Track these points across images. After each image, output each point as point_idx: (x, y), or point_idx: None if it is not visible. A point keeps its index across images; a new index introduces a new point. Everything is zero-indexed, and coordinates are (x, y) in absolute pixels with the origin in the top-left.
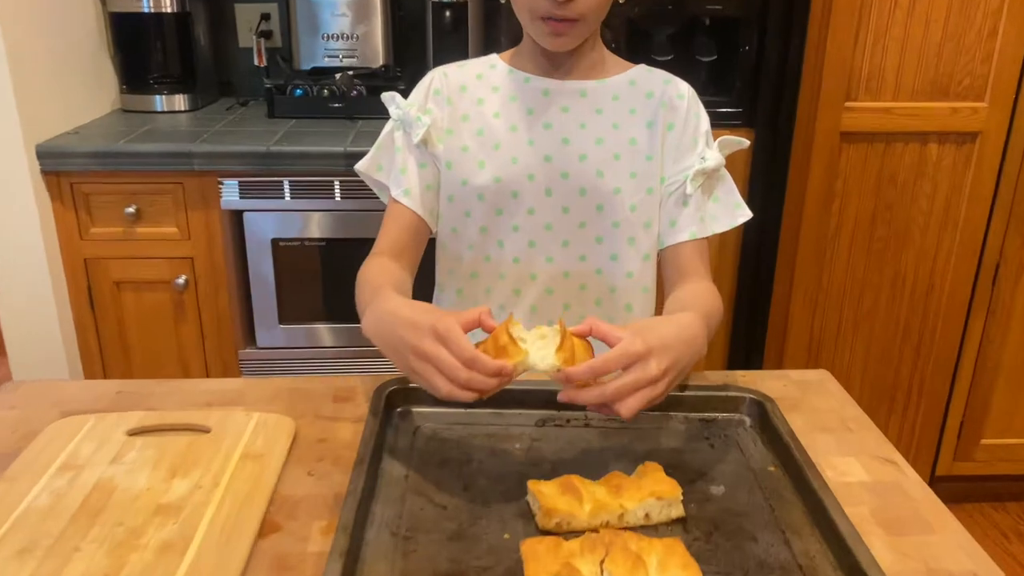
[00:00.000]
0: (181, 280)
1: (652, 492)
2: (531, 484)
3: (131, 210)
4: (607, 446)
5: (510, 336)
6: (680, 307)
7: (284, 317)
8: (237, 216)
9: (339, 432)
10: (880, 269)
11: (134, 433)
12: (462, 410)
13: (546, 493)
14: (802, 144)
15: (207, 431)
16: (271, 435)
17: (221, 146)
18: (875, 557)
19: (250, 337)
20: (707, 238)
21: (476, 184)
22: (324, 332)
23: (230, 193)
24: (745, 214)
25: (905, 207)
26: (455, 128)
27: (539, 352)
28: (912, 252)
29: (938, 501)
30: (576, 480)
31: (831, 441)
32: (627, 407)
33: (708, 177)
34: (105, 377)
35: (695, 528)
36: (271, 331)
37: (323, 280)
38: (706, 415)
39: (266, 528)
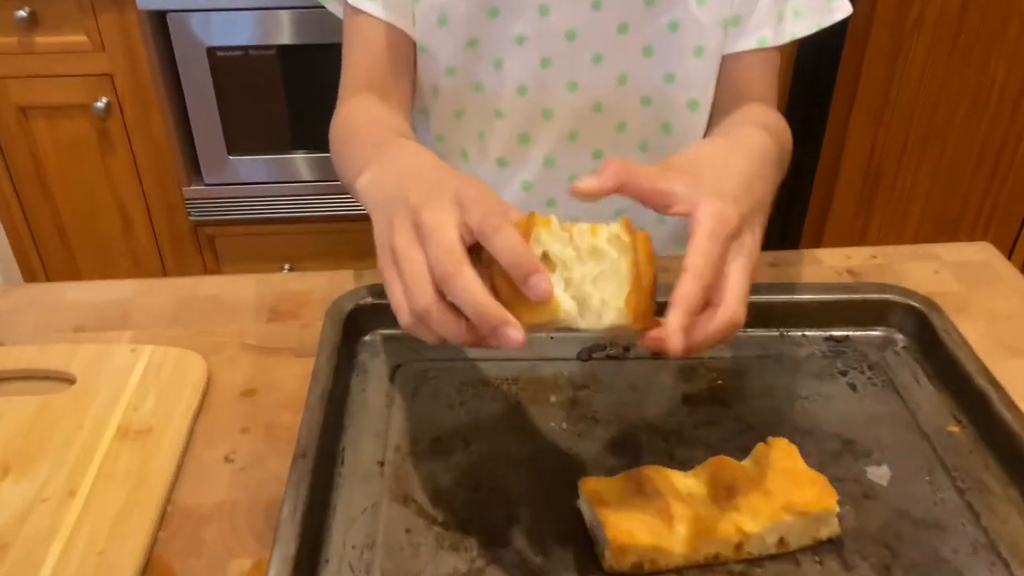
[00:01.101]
0: (101, 103)
1: (789, 504)
2: (585, 487)
3: (23, 13)
4: (691, 392)
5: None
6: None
7: (233, 147)
8: (160, 18)
9: (277, 375)
10: (963, 74)
11: None
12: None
13: (612, 509)
14: None
15: (70, 382)
16: (168, 388)
17: None
18: None
19: (195, 172)
20: (780, 48)
21: None
22: (285, 164)
23: None
24: (841, 9)
25: None
26: None
27: (584, 283)
28: (1005, 52)
29: None
30: (656, 477)
31: None
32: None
33: None
34: (28, 228)
35: (860, 559)
36: (219, 164)
37: (278, 99)
38: (834, 332)
39: None
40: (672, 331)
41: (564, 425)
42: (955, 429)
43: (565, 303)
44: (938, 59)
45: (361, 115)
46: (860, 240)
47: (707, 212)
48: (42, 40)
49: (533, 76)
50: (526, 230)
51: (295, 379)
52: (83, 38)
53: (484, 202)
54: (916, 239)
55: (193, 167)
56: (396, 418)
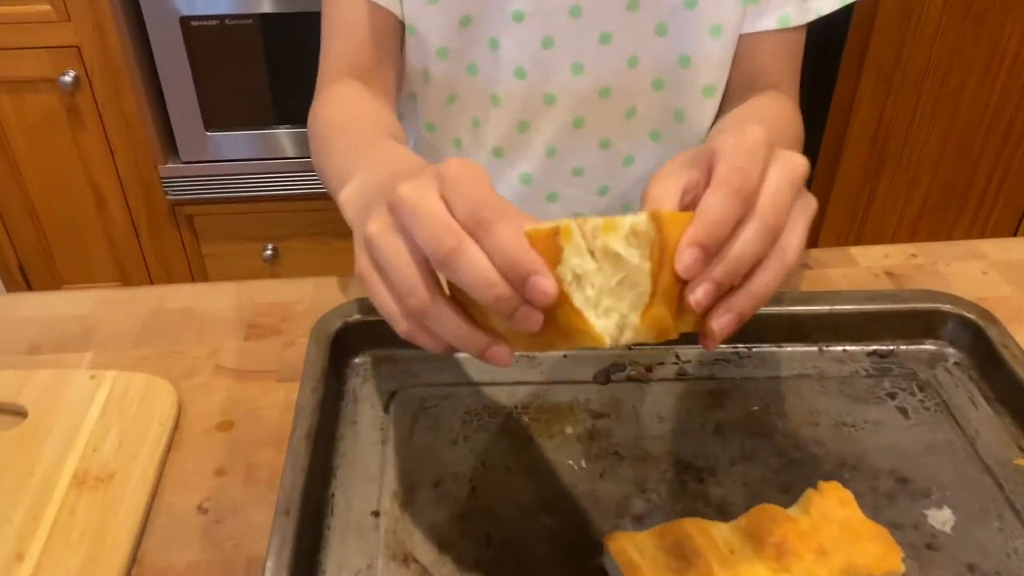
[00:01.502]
0: (68, 77)
1: (849, 566)
2: (614, 544)
3: None
4: (724, 421)
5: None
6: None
7: (211, 122)
8: None
9: (257, 404)
10: (977, 39)
11: None
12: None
13: (646, 573)
14: None
15: (21, 416)
16: (133, 423)
17: None
18: None
19: (172, 149)
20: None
21: None
22: (266, 140)
23: None
24: None
25: None
26: None
27: (602, 298)
28: (1020, 16)
29: None
30: (695, 533)
31: None
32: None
33: None
34: None
35: None
36: (196, 141)
37: (258, 71)
38: (879, 346)
39: None
40: (680, 247)
41: (583, 463)
42: (1022, 462)
43: (602, 323)
44: (951, 24)
45: (343, 111)
46: (865, 208)
47: (727, 134)
48: (3, 10)
49: (533, 57)
50: (549, 245)
51: (277, 408)
52: (47, 8)
53: (474, 188)
54: (924, 207)
55: (169, 144)
56: (392, 457)
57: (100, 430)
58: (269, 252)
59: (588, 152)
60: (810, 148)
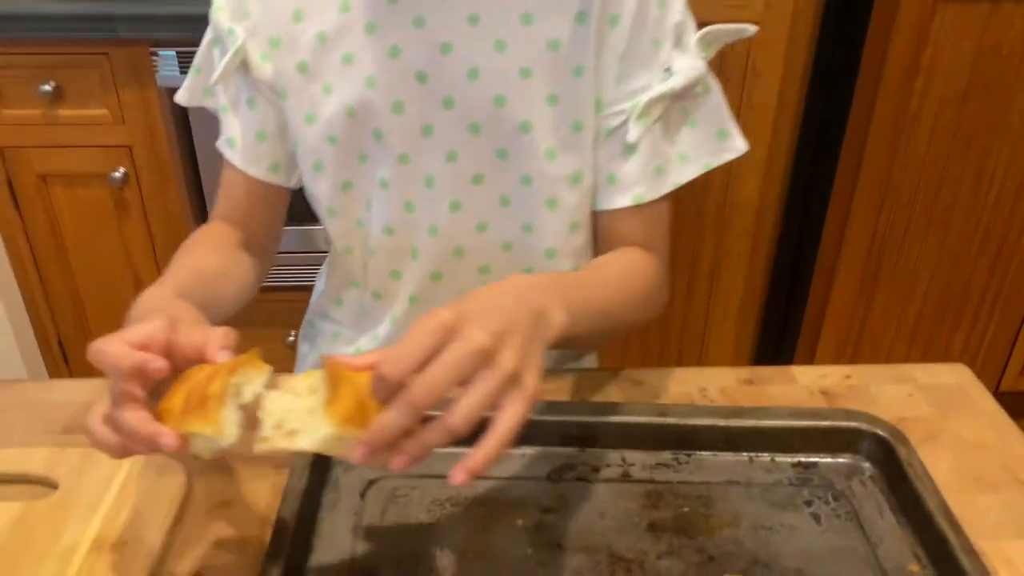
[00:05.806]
0: (118, 173)
1: None
2: None
3: (48, 88)
4: (657, 520)
5: (220, 388)
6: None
7: None
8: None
9: (253, 487)
10: (965, 160)
11: None
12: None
13: None
14: (885, 5)
15: (53, 488)
16: (145, 498)
17: (152, 7)
18: None
19: None
20: (666, 196)
21: (322, 119)
22: (296, 235)
23: (167, 67)
24: (733, 148)
25: (1007, 85)
26: (285, 35)
27: (298, 414)
28: (1007, 139)
29: None
30: None
31: (997, 508)
32: (461, 413)
33: (677, 99)
34: (42, 286)
35: None
36: None
37: None
38: (803, 458)
39: None
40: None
41: (529, 551)
42: (915, 568)
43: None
44: (940, 145)
45: (192, 245)
46: (860, 329)
47: (420, 320)
48: (65, 113)
49: (398, 219)
50: (231, 366)
51: (274, 492)
52: (104, 111)
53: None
54: (917, 326)
55: None
56: (361, 542)
57: (118, 503)
58: (292, 338)
59: (447, 300)
60: (805, 265)
